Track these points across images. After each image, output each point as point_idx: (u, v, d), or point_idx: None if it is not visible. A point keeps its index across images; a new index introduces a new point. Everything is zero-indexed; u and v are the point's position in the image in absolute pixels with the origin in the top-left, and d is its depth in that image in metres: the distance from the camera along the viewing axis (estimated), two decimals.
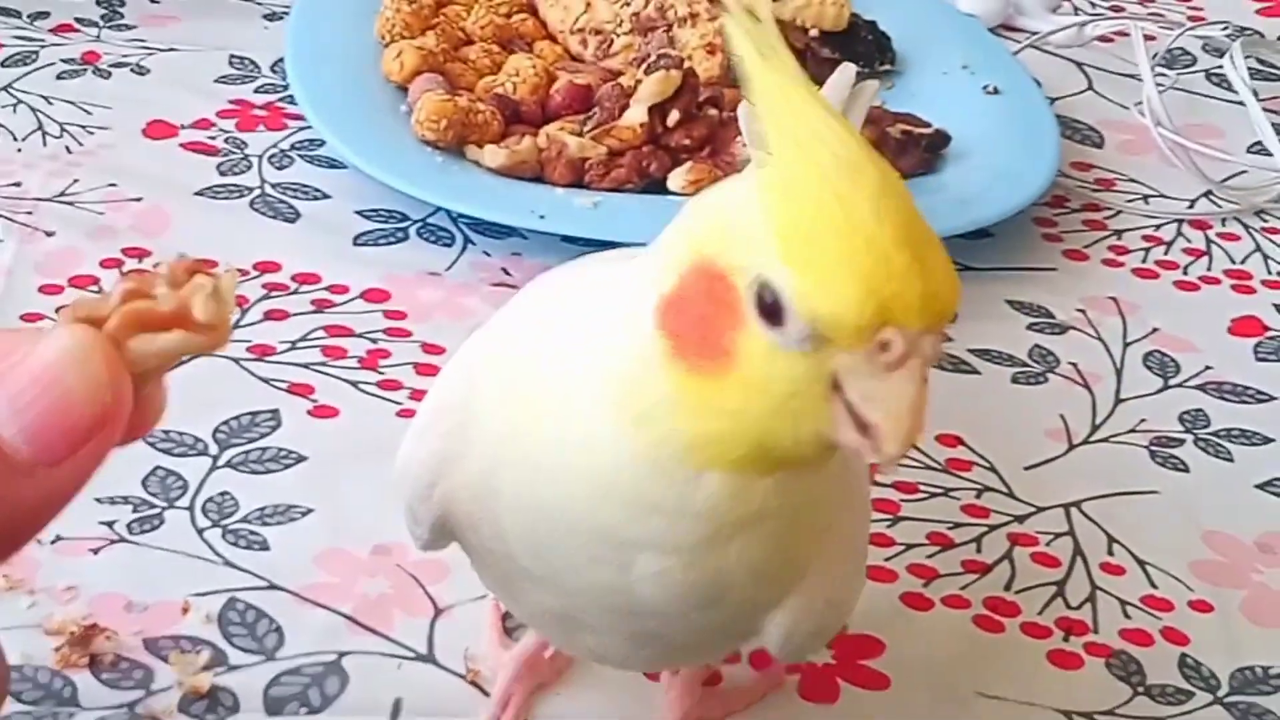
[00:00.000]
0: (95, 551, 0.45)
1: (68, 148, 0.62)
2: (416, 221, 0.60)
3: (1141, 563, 0.48)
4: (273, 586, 0.44)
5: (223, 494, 0.47)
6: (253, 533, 0.46)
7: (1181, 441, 0.53)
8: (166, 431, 0.49)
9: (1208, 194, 0.67)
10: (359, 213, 0.60)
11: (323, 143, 0.62)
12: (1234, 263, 0.63)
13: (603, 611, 0.34)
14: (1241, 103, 0.71)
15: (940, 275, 0.27)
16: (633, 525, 0.31)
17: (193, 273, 0.28)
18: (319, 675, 0.42)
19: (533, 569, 0.33)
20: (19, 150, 0.61)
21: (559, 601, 0.34)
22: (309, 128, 0.63)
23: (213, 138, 0.63)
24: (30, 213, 0.58)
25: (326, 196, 0.61)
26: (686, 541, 0.31)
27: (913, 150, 0.63)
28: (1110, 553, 0.48)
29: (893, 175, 0.28)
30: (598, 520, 0.31)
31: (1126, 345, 0.58)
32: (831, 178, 0.27)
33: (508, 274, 0.58)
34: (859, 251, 0.27)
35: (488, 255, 0.59)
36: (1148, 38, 0.73)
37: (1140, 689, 0.44)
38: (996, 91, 0.68)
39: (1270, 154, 0.69)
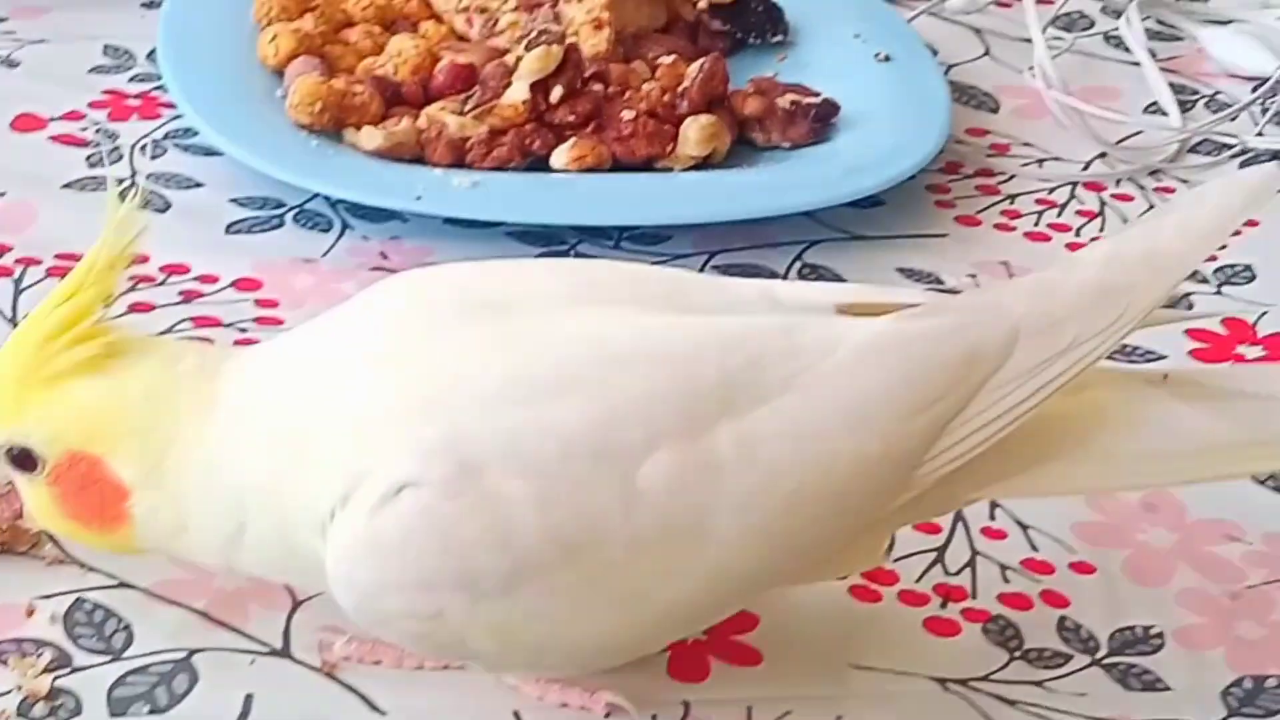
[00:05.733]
0: None
1: None
2: (293, 208, 0.59)
3: (1023, 526, 0.47)
4: (123, 584, 0.43)
5: None
6: None
7: None
8: None
9: (1102, 155, 0.66)
10: (234, 201, 0.59)
11: (198, 131, 0.61)
12: (1126, 223, 0.62)
13: None
14: (1138, 63, 0.71)
15: None
16: None
17: None
18: (167, 674, 0.41)
19: None
20: None
21: None
22: (183, 116, 0.61)
23: (83, 129, 0.62)
24: None
25: (199, 185, 0.60)
26: None
27: (801, 120, 0.63)
28: (992, 518, 0.48)
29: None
30: None
31: None
32: None
33: (385, 258, 0.57)
34: None
35: (366, 239, 0.58)
36: (1042, 1, 0.73)
37: (1017, 653, 0.43)
38: (888, 59, 0.67)
39: (1166, 114, 0.68)
